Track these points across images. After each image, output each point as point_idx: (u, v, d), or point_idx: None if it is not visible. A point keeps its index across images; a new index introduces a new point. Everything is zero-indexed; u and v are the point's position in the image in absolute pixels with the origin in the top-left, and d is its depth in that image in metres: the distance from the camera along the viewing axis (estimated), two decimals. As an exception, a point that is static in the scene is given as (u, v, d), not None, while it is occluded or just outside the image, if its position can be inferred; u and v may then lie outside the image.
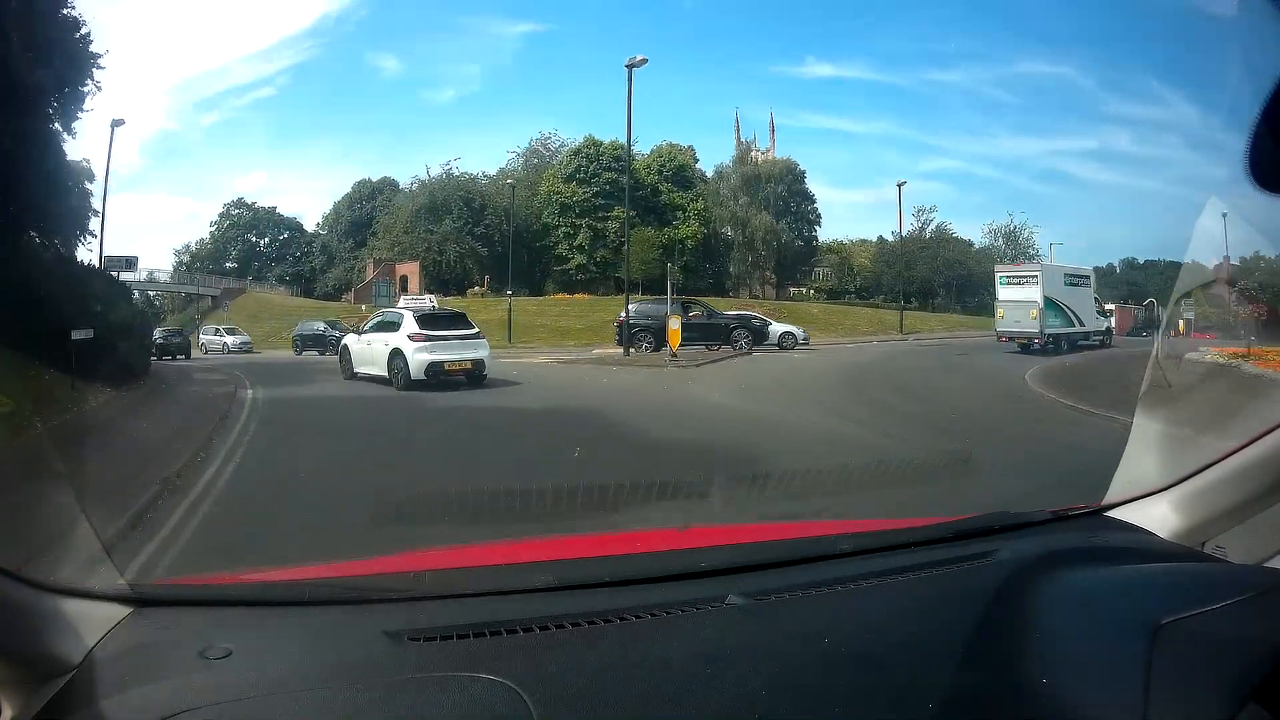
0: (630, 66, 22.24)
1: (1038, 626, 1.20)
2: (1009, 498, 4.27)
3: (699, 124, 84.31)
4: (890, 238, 50.75)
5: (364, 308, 36.71)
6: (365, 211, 59.89)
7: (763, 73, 73.72)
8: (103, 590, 1.21)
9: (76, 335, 9.96)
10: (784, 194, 52.80)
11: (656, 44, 73.83)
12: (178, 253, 69.88)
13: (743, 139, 55.85)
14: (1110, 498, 1.76)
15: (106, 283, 15.49)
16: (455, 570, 1.55)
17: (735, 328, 22.13)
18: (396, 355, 12.59)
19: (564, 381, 14.88)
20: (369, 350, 13.61)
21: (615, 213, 49.87)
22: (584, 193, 52.12)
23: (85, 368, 10.33)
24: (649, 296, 31.62)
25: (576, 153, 53.61)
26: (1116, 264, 53.03)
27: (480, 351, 12.88)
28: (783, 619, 1.26)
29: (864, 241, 57.14)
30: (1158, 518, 1.59)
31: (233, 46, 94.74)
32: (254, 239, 69.31)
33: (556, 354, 22.77)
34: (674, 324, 18.86)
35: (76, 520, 1.85)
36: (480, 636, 1.15)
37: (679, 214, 53.01)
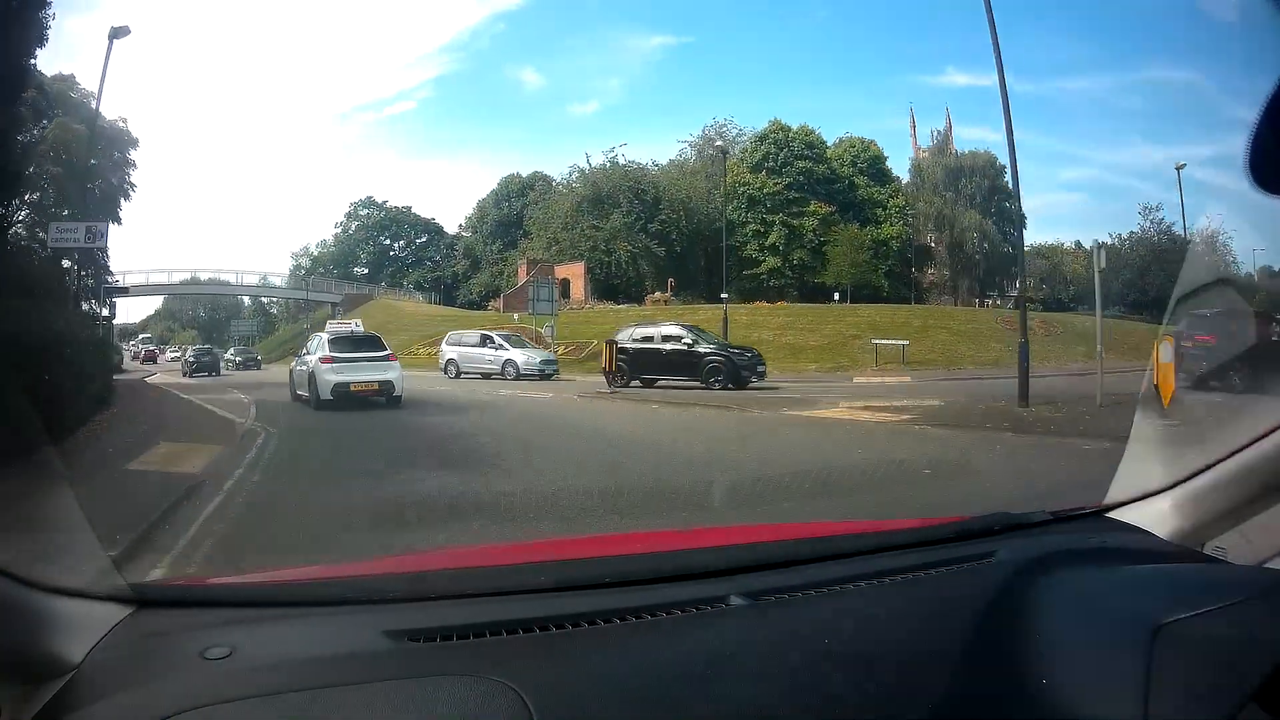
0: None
1: (1038, 627, 1.20)
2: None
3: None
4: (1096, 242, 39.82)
5: (516, 317, 33.11)
6: (514, 210, 53.33)
7: (903, 83, 73.77)
8: (103, 591, 1.21)
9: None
10: (986, 190, 44.39)
11: (792, 56, 72.50)
12: (295, 256, 65.09)
13: (917, 141, 48.48)
14: (1110, 498, 1.77)
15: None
16: (456, 570, 1.55)
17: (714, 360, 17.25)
18: (312, 378, 13.26)
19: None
20: (301, 373, 14.22)
21: (811, 208, 43.19)
22: (775, 184, 43.76)
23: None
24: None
25: (762, 138, 45.84)
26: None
27: (390, 373, 13.44)
28: (784, 619, 1.26)
29: (1078, 246, 46.89)
30: (1158, 518, 1.59)
31: (371, 62, 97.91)
32: (387, 241, 62.86)
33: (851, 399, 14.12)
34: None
35: (76, 521, 1.85)
36: (480, 637, 1.15)
37: (878, 211, 44.99)
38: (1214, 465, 1.51)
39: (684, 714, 1.02)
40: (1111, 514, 1.70)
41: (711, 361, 17.18)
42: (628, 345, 18.22)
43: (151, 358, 43.93)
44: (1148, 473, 1.74)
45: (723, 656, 1.13)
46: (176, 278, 49.74)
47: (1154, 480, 1.68)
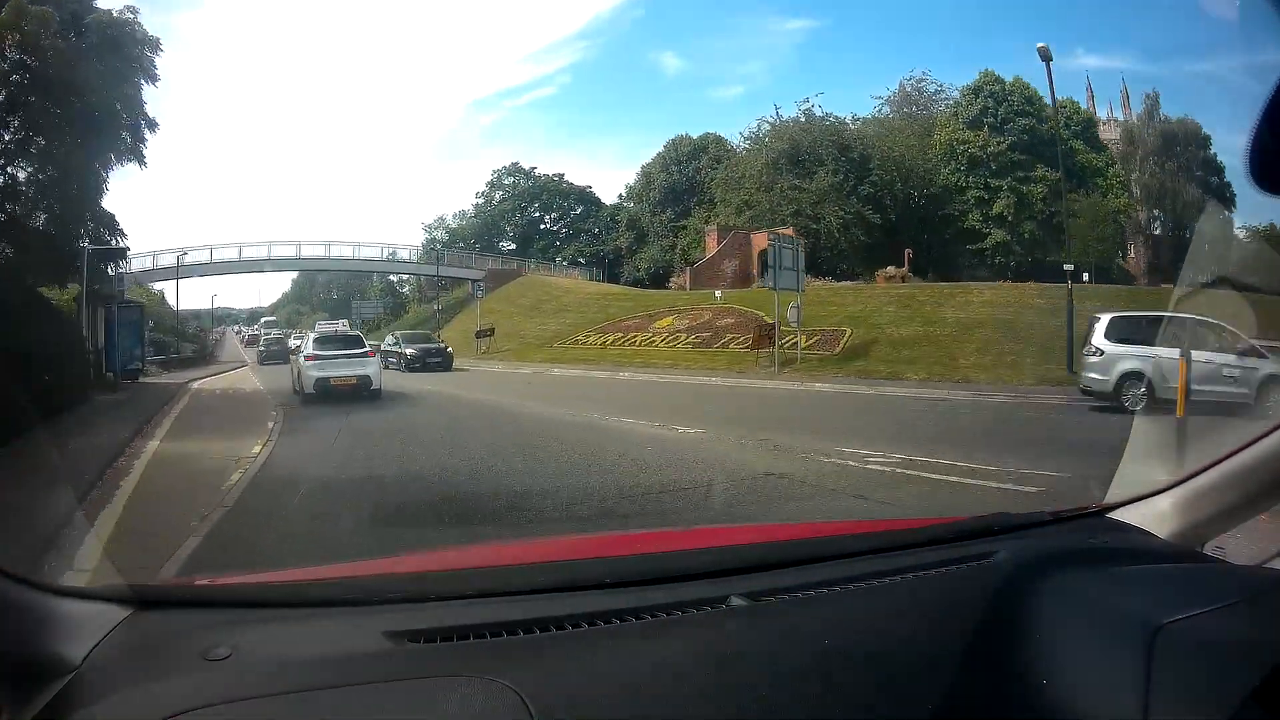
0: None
1: (1038, 628, 1.20)
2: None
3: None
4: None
5: (718, 294, 27.47)
6: (686, 175, 44.68)
7: (1038, 69, 70.24)
8: (103, 591, 1.21)
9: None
10: (1200, 162, 37.98)
11: (924, 38, 68.69)
12: (428, 228, 55.25)
13: (1107, 111, 41.33)
14: (1110, 499, 1.77)
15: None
16: (456, 571, 1.55)
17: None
18: (300, 373, 14.95)
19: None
20: (296, 368, 15.69)
21: (1039, 173, 35.61)
22: (998, 143, 36.25)
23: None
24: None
25: (976, 91, 37.96)
26: None
27: (368, 369, 14.59)
28: (784, 620, 1.26)
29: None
30: (1158, 519, 1.59)
31: (507, 49, 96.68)
32: (537, 212, 54.33)
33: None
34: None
35: (77, 523, 1.85)
36: (481, 638, 1.15)
37: (1099, 180, 38.12)
38: (1214, 465, 1.51)
39: (684, 714, 1.02)
40: (1111, 514, 1.70)
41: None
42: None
43: (255, 344, 38.05)
44: (1148, 473, 1.74)
45: (723, 657, 1.13)
46: (277, 252, 42.09)
47: (1154, 480, 1.68)
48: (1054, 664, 1.11)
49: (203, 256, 38.02)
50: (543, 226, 54.59)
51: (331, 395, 13.73)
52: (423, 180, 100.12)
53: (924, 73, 40.59)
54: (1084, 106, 41.57)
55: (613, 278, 46.29)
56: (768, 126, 39.25)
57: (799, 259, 21.08)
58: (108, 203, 18.34)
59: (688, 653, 1.14)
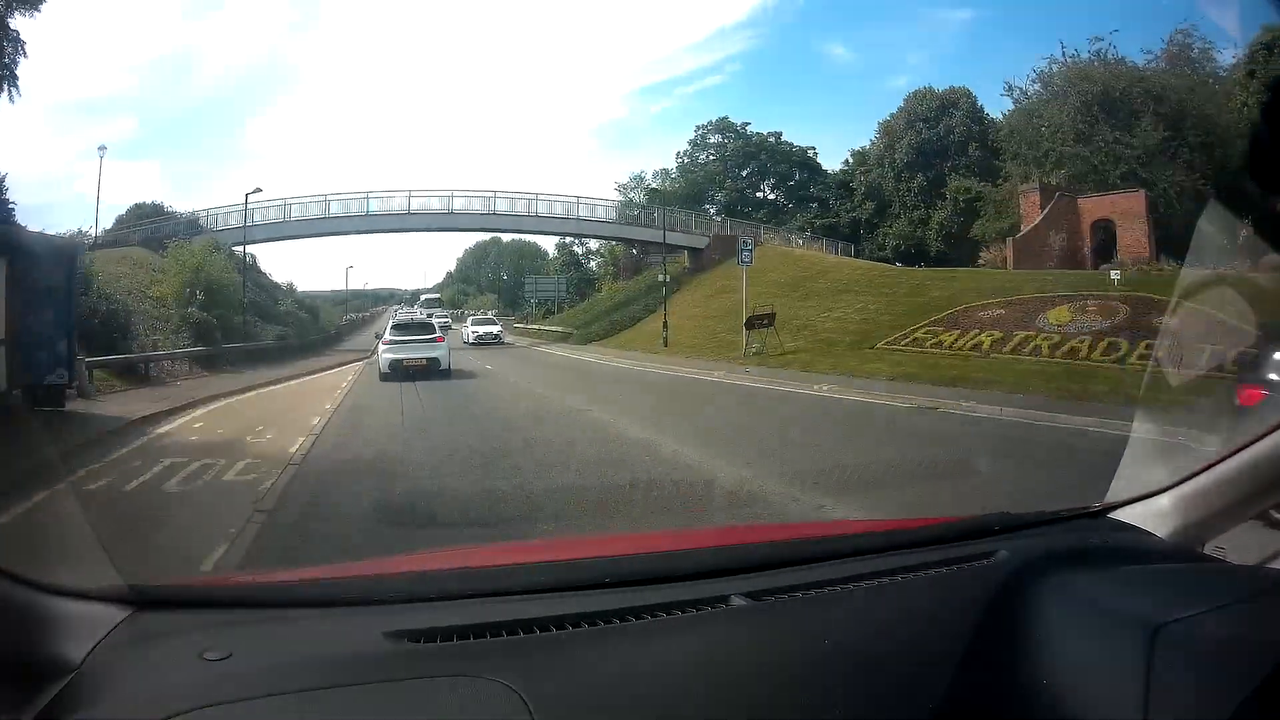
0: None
1: (1038, 627, 1.20)
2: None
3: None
4: None
5: (1114, 276, 17.24)
6: (936, 134, 36.96)
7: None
8: (103, 591, 1.21)
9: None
10: None
11: (1089, 28, 61.88)
12: (623, 188, 44.29)
13: None
14: (1110, 498, 1.77)
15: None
16: (456, 571, 1.55)
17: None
18: (380, 355, 16.96)
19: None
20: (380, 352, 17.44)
21: None
22: None
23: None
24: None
25: (1270, 47, 25.83)
26: None
27: (437, 351, 16.37)
28: (784, 620, 1.26)
29: None
30: (1158, 518, 1.59)
31: (670, 37, 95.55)
32: (752, 176, 43.86)
33: None
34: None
35: (77, 522, 1.85)
36: (481, 637, 1.15)
37: None
38: (1213, 465, 1.51)
39: (685, 714, 1.02)
40: (1112, 514, 1.70)
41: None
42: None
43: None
44: (1148, 472, 1.74)
45: (724, 656, 1.13)
46: (395, 204, 32.71)
47: (1154, 480, 1.68)
48: (1054, 663, 1.11)
49: (314, 210, 31.24)
50: (759, 194, 44.08)
51: (406, 374, 15.40)
52: (592, 168, 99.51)
53: (1190, 24, 29.97)
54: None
55: (857, 254, 36.88)
56: (1056, 68, 30.94)
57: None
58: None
59: (689, 652, 1.14)
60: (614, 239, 39.04)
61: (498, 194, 34.30)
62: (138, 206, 32.47)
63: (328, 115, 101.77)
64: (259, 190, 29.07)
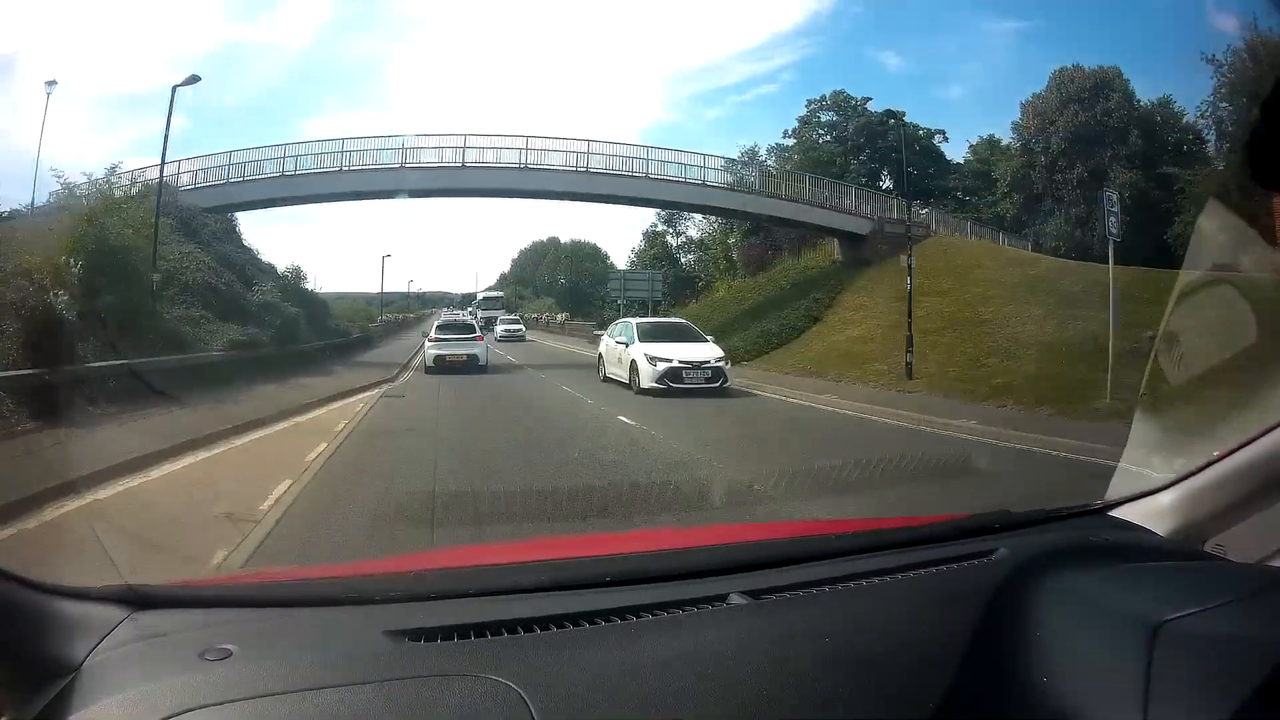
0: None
1: (1038, 625, 1.20)
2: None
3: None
4: None
5: None
6: (1096, 116, 30.96)
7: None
8: (103, 591, 1.21)
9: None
10: None
11: (1145, 41, 61.70)
12: (732, 165, 29.15)
13: None
14: (1110, 496, 1.76)
15: None
16: (456, 570, 1.55)
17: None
18: (425, 351, 19.36)
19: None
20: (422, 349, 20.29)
21: None
22: None
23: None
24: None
25: None
26: None
27: (475, 349, 18.73)
28: (784, 618, 1.26)
29: None
30: (1158, 517, 1.59)
31: (722, 44, 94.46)
32: (870, 163, 36.70)
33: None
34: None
35: (77, 523, 1.84)
36: (481, 636, 1.15)
37: None
38: (1214, 463, 1.51)
39: (685, 713, 1.02)
40: (1112, 512, 1.70)
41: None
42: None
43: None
44: (1148, 471, 1.74)
45: (724, 655, 1.13)
46: (446, 158, 22.43)
47: (1154, 478, 1.68)
48: (1054, 662, 1.11)
49: (329, 162, 21.04)
50: (880, 183, 36.03)
51: (448, 368, 17.75)
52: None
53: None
54: None
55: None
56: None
57: None
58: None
59: (689, 651, 1.14)
60: (760, 215, 26.95)
61: (591, 147, 23.30)
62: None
63: (364, 120, 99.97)
64: (196, 79, 16.68)
